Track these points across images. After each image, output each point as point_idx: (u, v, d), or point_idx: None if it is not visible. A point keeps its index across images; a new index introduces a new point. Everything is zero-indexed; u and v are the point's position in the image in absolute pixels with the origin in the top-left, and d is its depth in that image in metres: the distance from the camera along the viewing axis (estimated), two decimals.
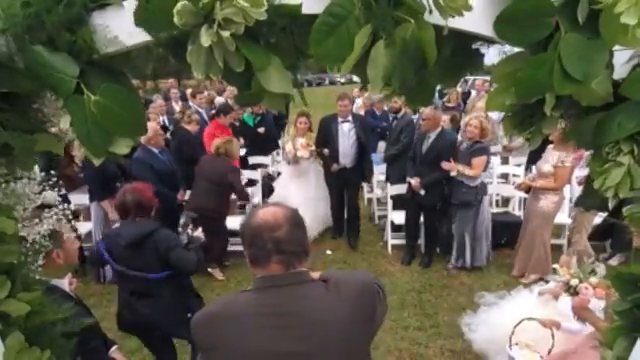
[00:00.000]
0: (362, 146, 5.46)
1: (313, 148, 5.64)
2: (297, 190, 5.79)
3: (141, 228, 2.72)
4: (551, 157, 4.48)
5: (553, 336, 2.69)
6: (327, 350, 1.24)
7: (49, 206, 1.64)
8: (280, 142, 8.68)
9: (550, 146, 4.57)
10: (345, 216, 5.90)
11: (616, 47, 1.22)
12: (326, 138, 5.48)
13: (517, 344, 2.86)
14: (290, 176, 5.99)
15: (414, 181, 4.90)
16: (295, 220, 1.30)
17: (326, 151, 5.47)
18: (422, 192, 4.88)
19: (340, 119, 5.41)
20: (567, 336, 2.74)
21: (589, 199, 4.34)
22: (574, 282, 2.74)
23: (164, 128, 6.64)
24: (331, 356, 1.24)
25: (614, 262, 5.08)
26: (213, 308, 1.33)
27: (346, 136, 5.39)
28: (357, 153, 5.45)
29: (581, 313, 2.51)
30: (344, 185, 5.62)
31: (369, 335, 1.37)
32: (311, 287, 1.30)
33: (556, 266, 2.96)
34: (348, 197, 5.75)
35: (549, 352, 2.68)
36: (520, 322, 2.80)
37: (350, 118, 5.45)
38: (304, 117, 5.74)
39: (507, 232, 5.39)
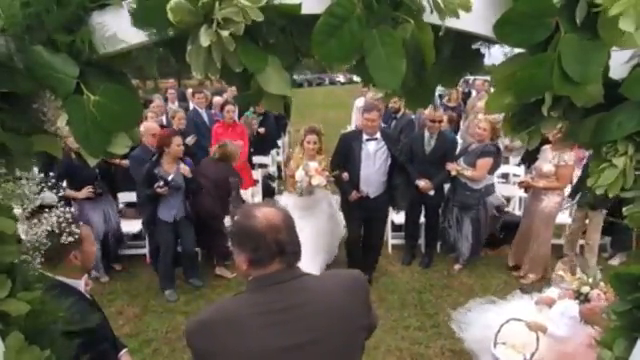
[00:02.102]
0: (394, 169, 4.38)
1: (328, 174, 4.38)
2: (306, 225, 4.29)
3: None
4: (551, 156, 4.48)
5: (538, 340, 2.68)
6: (331, 334, 1.27)
7: (49, 207, 1.65)
8: (280, 142, 8.68)
9: (546, 146, 4.57)
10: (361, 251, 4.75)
11: (615, 47, 1.21)
12: (346, 159, 4.38)
13: (504, 343, 2.87)
14: (297, 208, 4.41)
15: (423, 182, 4.77)
16: (289, 221, 1.33)
17: (346, 175, 4.35)
18: (432, 193, 4.84)
19: (365, 136, 4.30)
20: (552, 342, 2.75)
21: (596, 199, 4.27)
22: (585, 289, 2.67)
23: (164, 127, 6.63)
24: (334, 340, 1.27)
25: (615, 262, 5.08)
26: (205, 315, 1.33)
27: (371, 158, 4.30)
28: (385, 180, 4.40)
29: (591, 318, 2.48)
30: (366, 218, 4.55)
31: (365, 326, 1.39)
32: (306, 280, 1.34)
33: (561, 273, 2.90)
34: (371, 232, 4.65)
35: (532, 356, 2.68)
36: (507, 321, 2.81)
37: (378, 135, 4.32)
38: (313, 135, 4.41)
39: (507, 231, 5.39)
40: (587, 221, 4.90)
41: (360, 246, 4.69)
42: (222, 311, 1.32)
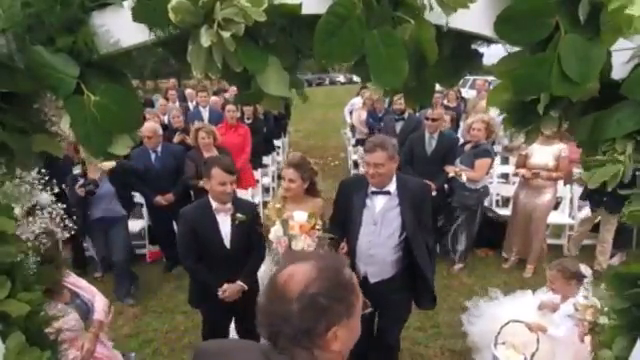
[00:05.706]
0: (412, 243, 2.71)
1: (320, 233, 2.86)
2: None
3: None
4: (551, 150, 4.53)
5: (538, 340, 2.67)
6: None
7: (42, 207, 1.65)
8: (279, 142, 8.69)
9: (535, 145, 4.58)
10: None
11: (615, 47, 1.22)
12: (344, 217, 2.87)
13: (504, 343, 2.85)
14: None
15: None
16: (310, 300, 0.99)
17: (344, 247, 2.87)
18: (434, 193, 4.83)
19: (372, 188, 2.75)
20: (552, 342, 2.74)
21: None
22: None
23: (164, 127, 6.60)
24: None
25: (614, 261, 5.08)
26: (215, 346, 1.24)
27: (376, 222, 2.74)
28: (396, 259, 2.77)
29: None
30: (375, 310, 2.82)
31: None
32: None
33: (575, 301, 2.79)
34: (380, 329, 3.03)
35: (532, 356, 2.67)
36: (507, 323, 2.79)
37: (392, 189, 2.73)
38: (289, 170, 2.92)
39: (493, 229, 5.36)
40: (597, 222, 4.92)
41: (368, 350, 2.94)
42: (230, 355, 1.15)
